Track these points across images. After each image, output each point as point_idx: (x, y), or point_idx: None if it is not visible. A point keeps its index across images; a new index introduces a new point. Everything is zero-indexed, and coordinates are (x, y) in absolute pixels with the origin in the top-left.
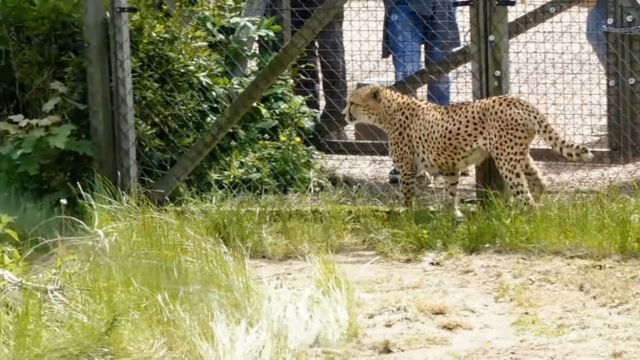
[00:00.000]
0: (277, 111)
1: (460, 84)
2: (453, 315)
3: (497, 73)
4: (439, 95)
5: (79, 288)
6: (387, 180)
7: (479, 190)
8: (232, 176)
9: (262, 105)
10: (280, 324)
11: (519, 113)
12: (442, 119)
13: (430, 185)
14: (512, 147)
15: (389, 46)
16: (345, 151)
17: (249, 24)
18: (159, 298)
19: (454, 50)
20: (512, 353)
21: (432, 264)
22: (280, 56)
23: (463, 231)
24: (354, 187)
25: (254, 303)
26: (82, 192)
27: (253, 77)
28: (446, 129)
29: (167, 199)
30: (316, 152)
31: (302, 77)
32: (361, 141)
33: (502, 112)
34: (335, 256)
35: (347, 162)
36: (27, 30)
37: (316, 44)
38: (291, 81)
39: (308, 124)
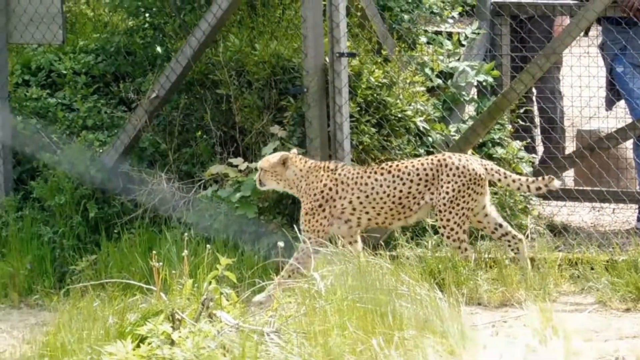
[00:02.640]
0: (494, 156)
1: None
2: None
3: None
4: None
5: (295, 331)
6: (636, 228)
7: None
8: None
9: (479, 150)
10: None
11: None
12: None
13: None
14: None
15: (615, 97)
16: (564, 197)
17: (467, 68)
18: (374, 342)
19: None
20: None
21: None
22: (499, 101)
23: None
24: (572, 234)
25: (469, 350)
26: (299, 235)
27: (470, 122)
28: (394, 188)
29: (382, 243)
30: (534, 198)
31: (520, 122)
32: (580, 188)
33: (463, 166)
34: (553, 304)
35: (566, 208)
36: (248, 74)
37: (533, 89)
38: (509, 126)
39: (526, 169)
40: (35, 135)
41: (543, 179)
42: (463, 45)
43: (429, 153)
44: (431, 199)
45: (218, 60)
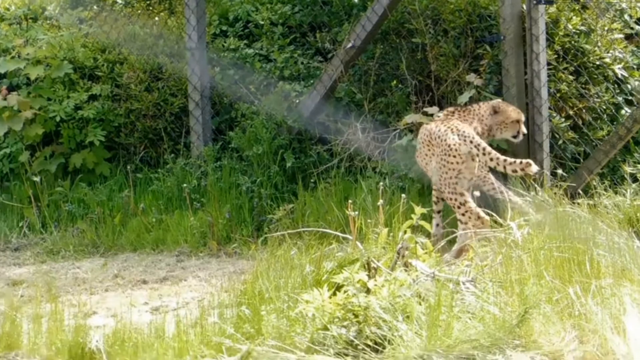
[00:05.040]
0: None
1: None
2: None
3: None
4: None
5: (490, 280)
6: None
7: None
8: None
9: None
10: None
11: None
12: None
13: None
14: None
15: None
16: None
17: None
18: (570, 291)
19: None
20: None
21: None
22: None
23: None
24: None
25: None
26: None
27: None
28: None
29: (580, 192)
30: None
31: None
32: None
33: (439, 137)
34: None
35: None
36: (444, 22)
37: None
38: None
39: None
40: (233, 86)
41: (521, 162)
42: None
43: (627, 101)
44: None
45: (414, 9)
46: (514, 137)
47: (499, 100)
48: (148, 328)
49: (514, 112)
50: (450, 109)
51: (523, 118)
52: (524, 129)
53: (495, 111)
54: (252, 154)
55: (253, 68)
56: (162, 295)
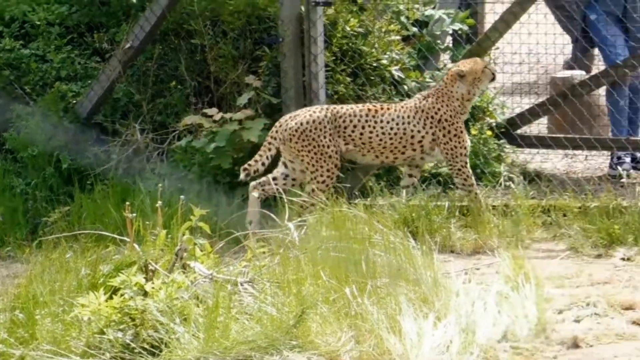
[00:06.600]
0: None
1: None
2: None
3: None
4: (632, 90)
5: (268, 280)
6: (608, 175)
7: None
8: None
9: None
10: (468, 319)
11: None
12: None
13: (622, 180)
14: None
15: (592, 42)
16: (537, 145)
17: (443, 16)
18: (347, 291)
19: None
20: None
21: (623, 259)
22: (474, 49)
23: None
24: (545, 181)
25: (442, 298)
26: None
27: (445, 71)
28: None
29: (357, 192)
30: (507, 146)
31: None
32: (554, 135)
33: None
34: (525, 251)
35: (539, 155)
36: (223, 24)
37: None
38: None
39: (500, 117)
40: (8, 87)
41: None
42: None
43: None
44: None
45: (193, 10)
46: (492, 80)
47: (457, 64)
48: None
49: (475, 64)
50: (424, 93)
51: (487, 60)
52: (494, 68)
53: (461, 76)
54: (27, 156)
55: (29, 68)
56: None
